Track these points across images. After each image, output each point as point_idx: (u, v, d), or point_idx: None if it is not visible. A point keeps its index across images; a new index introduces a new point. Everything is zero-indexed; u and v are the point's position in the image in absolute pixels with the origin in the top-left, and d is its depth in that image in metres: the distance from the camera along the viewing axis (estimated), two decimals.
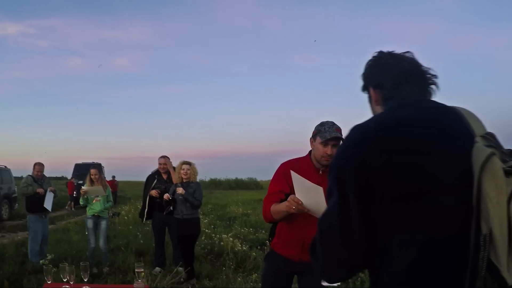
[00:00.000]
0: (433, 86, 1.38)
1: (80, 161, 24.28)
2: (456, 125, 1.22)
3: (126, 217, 13.05)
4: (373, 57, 1.45)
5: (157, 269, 6.78)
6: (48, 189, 7.20)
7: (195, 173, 6.39)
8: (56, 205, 15.82)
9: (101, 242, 6.89)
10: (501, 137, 1.20)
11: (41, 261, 6.70)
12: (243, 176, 43.12)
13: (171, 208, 6.35)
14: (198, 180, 6.49)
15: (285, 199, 2.64)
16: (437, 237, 1.12)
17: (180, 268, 6.31)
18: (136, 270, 3.17)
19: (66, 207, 19.46)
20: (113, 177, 24.33)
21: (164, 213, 6.53)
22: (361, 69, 1.50)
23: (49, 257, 6.80)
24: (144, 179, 7.42)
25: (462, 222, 1.10)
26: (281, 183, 2.85)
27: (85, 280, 3.20)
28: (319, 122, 2.86)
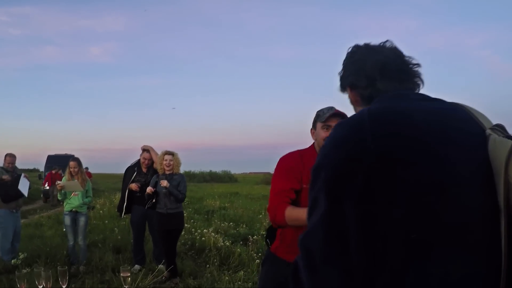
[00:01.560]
0: (416, 79, 1.19)
1: (53, 153, 23.91)
2: (459, 117, 1.04)
3: (101, 211, 12.64)
4: (348, 52, 1.28)
5: (137, 266, 6.47)
6: (22, 174, 6.82)
7: (178, 164, 6.08)
8: (28, 198, 15.21)
9: (80, 239, 6.56)
10: None
11: (12, 261, 6.30)
12: (217, 168, 42.80)
13: (153, 201, 6.03)
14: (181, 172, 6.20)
15: (296, 198, 2.43)
16: (464, 257, 0.90)
17: (162, 266, 6.02)
18: (122, 275, 2.85)
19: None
20: (86, 168, 23.91)
21: (146, 207, 6.21)
22: (339, 65, 1.32)
23: (21, 256, 6.39)
24: (118, 171, 7.16)
25: (487, 233, 0.90)
26: (290, 180, 2.49)
27: (64, 286, 2.88)
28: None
